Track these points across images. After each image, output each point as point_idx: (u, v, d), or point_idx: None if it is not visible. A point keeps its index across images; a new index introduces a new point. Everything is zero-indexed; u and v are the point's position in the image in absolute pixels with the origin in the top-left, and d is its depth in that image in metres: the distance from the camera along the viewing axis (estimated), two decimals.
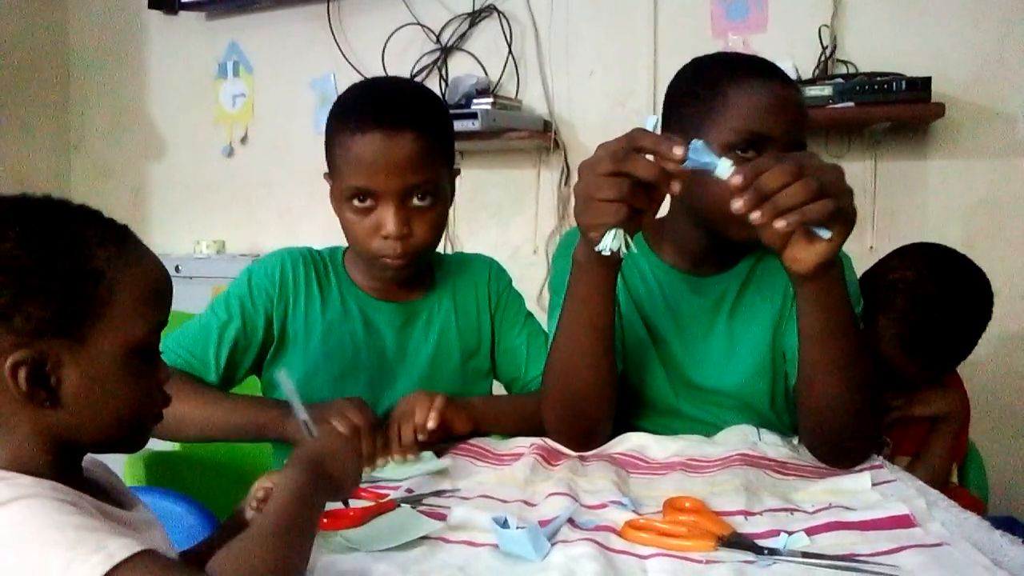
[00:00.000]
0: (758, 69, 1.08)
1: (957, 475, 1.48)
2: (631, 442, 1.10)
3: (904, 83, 1.96)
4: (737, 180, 0.85)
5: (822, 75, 2.15)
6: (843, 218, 0.87)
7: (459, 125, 2.04)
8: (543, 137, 2.43)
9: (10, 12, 2.95)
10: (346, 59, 2.69)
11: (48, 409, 0.63)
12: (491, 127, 2.28)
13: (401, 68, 2.59)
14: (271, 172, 2.88)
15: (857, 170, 2.13)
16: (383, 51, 2.62)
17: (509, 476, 0.98)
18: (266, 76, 2.89)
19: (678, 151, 0.85)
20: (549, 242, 2.48)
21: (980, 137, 2.09)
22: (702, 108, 1.07)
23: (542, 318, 1.27)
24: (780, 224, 0.84)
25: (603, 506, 0.87)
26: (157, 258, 0.70)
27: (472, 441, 1.12)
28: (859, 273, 1.27)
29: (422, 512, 0.85)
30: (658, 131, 0.89)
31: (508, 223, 2.57)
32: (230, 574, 0.59)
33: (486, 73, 2.53)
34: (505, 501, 0.89)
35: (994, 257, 1.47)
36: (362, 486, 0.87)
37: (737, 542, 0.76)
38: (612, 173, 0.88)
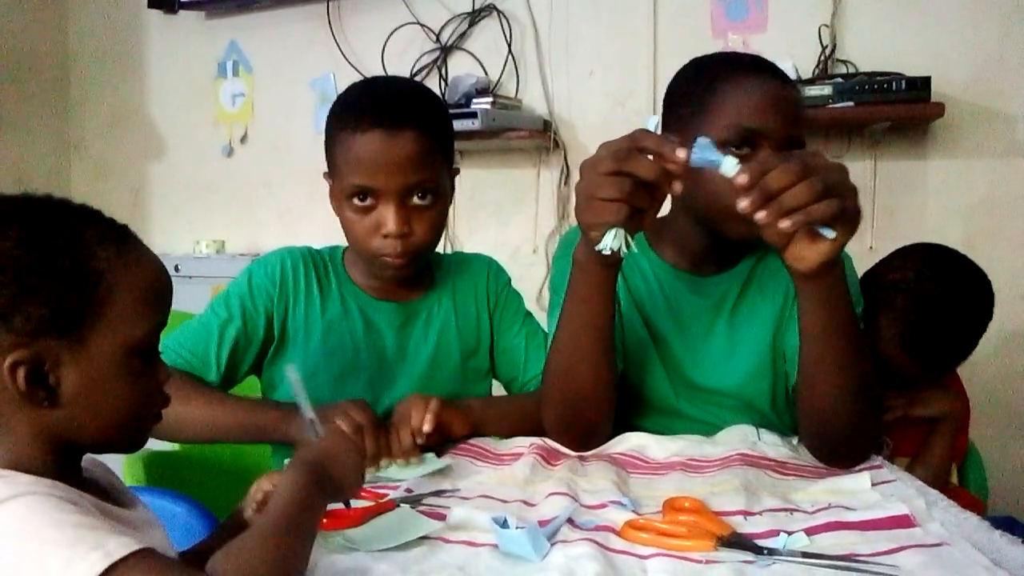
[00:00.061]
0: (753, 66, 1.08)
1: (957, 475, 1.48)
2: (631, 442, 1.10)
3: (904, 83, 1.96)
4: (743, 179, 0.84)
5: (822, 75, 2.15)
6: (847, 218, 0.86)
7: (459, 125, 2.04)
8: (543, 137, 2.43)
9: (10, 12, 2.95)
10: (346, 59, 2.68)
11: (47, 409, 0.63)
12: (491, 127, 2.28)
13: (401, 68, 2.59)
14: (271, 172, 2.88)
15: (857, 170, 2.12)
16: (383, 51, 2.62)
17: (509, 476, 0.98)
18: (266, 76, 2.88)
19: (681, 154, 0.84)
20: (549, 242, 2.48)
21: (980, 137, 2.10)
22: (698, 106, 1.07)
23: (542, 318, 1.27)
24: (785, 224, 0.84)
25: (603, 506, 0.87)
26: (157, 258, 0.70)
27: (472, 441, 1.11)
28: (859, 273, 1.27)
29: (422, 512, 0.85)
30: (659, 132, 0.89)
31: (508, 223, 2.57)
32: (230, 574, 0.59)
33: (486, 73, 2.52)
34: (505, 501, 0.89)
35: (994, 257, 1.46)
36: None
37: (737, 542, 0.76)
38: (614, 172, 0.88)
